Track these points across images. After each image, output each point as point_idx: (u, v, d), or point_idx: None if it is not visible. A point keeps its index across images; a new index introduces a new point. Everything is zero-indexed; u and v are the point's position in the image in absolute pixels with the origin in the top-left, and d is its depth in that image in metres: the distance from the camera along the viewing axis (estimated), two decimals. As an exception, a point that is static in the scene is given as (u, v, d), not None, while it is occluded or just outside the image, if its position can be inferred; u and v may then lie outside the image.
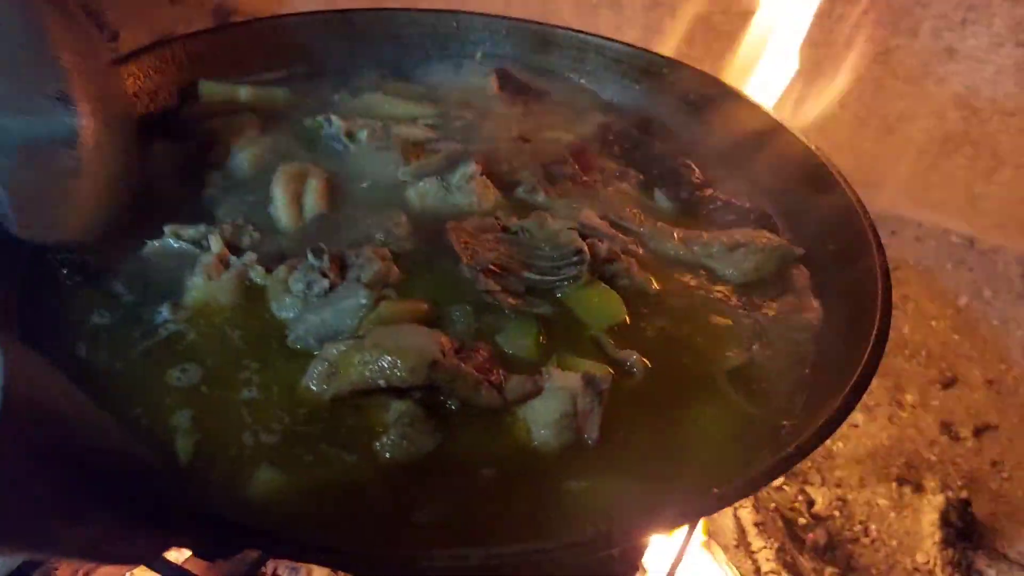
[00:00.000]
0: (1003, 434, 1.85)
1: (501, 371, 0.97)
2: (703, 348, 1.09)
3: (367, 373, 0.92)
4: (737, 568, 1.41)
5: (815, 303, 1.17)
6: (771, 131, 1.39)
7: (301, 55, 1.45)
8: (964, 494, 1.67)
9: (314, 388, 0.92)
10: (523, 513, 0.87)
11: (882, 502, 1.64)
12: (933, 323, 2.04)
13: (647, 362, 1.03)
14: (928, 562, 1.55)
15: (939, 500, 1.63)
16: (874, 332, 0.99)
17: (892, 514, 1.63)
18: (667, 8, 2.29)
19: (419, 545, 0.80)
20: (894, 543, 1.59)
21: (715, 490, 0.81)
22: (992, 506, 1.67)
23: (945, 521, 1.60)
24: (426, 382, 0.93)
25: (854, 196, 1.22)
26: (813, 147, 1.34)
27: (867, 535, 1.60)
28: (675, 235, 1.23)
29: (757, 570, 1.44)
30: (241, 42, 1.42)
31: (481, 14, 1.54)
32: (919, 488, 1.67)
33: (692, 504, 0.81)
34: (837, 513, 1.62)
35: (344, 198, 1.22)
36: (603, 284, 1.12)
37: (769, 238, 1.24)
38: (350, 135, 1.30)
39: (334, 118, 1.31)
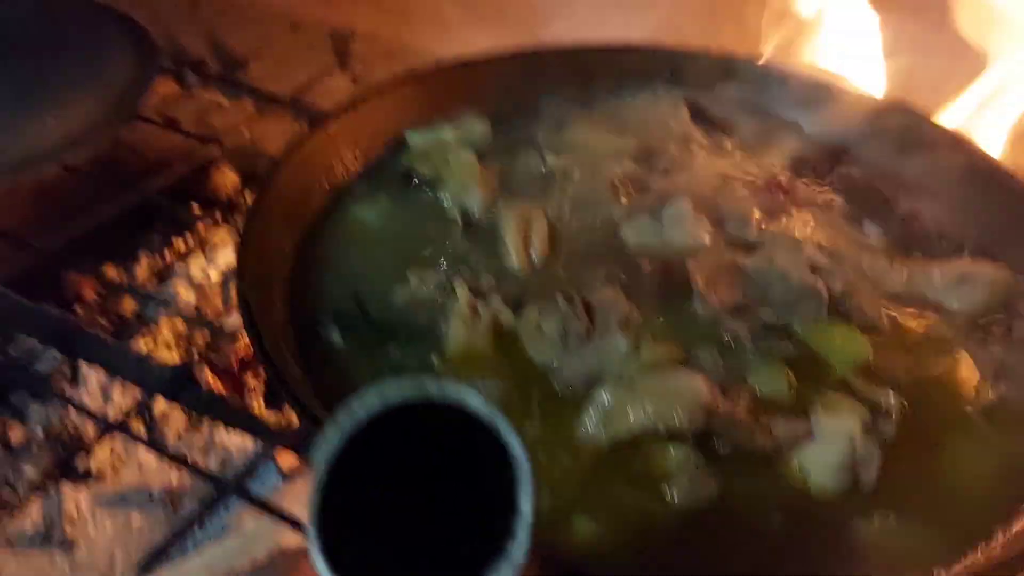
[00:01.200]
0: None
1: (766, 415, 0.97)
2: (948, 384, 1.07)
3: (644, 419, 0.93)
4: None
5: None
6: (971, 158, 1.37)
7: (491, 95, 1.47)
8: None
9: (592, 433, 0.94)
10: (816, 562, 0.87)
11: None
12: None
13: (903, 401, 1.02)
14: None
15: None
16: None
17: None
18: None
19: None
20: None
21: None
22: None
23: None
24: (702, 427, 0.93)
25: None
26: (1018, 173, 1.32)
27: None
28: (898, 268, 1.22)
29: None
30: (436, 87, 1.45)
31: (662, 48, 1.55)
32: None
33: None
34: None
35: (562, 238, 1.23)
36: (843, 322, 1.11)
37: (993, 269, 1.21)
38: (562, 172, 1.31)
39: (548, 155, 1.32)
